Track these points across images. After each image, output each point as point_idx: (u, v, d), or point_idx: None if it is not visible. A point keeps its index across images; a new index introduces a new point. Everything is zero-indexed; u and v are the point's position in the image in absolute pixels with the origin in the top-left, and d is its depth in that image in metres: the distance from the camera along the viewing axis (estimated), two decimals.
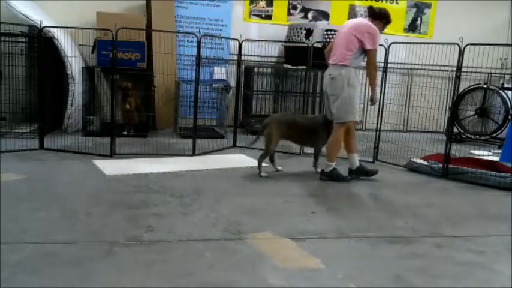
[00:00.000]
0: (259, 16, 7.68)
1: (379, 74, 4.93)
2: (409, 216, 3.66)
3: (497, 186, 4.57)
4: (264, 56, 7.43)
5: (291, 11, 7.79)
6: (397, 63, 7.65)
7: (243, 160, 5.25)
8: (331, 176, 4.54)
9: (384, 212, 3.72)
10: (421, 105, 6.81)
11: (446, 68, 7.65)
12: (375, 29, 4.34)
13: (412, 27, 8.37)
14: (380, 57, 4.82)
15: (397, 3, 8.21)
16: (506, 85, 7.62)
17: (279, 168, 4.83)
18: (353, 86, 4.37)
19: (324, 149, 4.76)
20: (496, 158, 5.58)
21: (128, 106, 6.11)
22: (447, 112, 7.10)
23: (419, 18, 8.38)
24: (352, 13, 8.02)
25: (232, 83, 6.76)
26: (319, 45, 6.54)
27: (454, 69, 4.97)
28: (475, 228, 3.46)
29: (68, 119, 6.10)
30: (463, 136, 7.43)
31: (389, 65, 5.49)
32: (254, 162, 5.10)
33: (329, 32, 7.02)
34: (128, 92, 6.07)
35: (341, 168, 4.61)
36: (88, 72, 6.36)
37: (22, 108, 6.25)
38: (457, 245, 3.10)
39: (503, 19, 8.64)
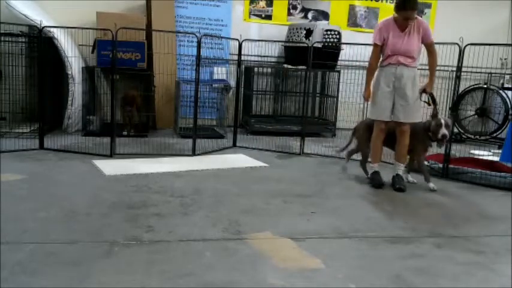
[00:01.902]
0: (259, 16, 7.68)
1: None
2: (409, 216, 3.66)
3: (497, 186, 4.57)
4: (264, 56, 7.44)
5: (291, 11, 7.79)
6: None
7: (243, 160, 5.25)
8: (370, 179, 4.52)
9: (384, 212, 3.72)
10: (421, 105, 6.79)
11: (446, 68, 7.63)
12: (377, 24, 4.43)
13: None
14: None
15: None
16: (506, 85, 7.62)
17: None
18: (375, 85, 4.42)
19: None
20: (496, 158, 5.58)
21: (129, 107, 6.13)
22: (447, 112, 7.10)
23: None
24: (352, 13, 8.03)
25: (232, 83, 6.76)
26: (319, 45, 6.55)
27: (454, 69, 4.97)
28: (475, 228, 3.46)
29: (68, 119, 6.10)
30: (463, 136, 7.43)
31: None
32: (254, 162, 5.11)
33: (329, 32, 7.03)
34: (131, 99, 6.09)
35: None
36: (88, 72, 6.36)
37: (22, 108, 6.26)
38: (457, 245, 3.10)
39: (503, 19, 8.64)
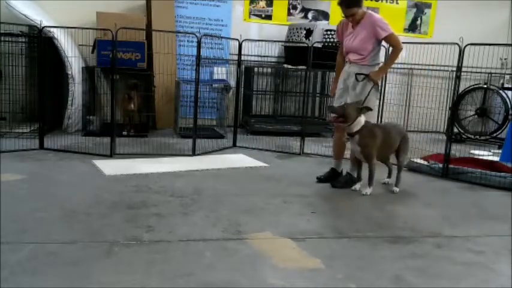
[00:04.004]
0: (259, 16, 7.68)
1: None
2: (409, 216, 3.66)
3: (497, 186, 4.57)
4: (264, 56, 7.43)
5: (291, 11, 7.79)
6: (397, 63, 7.64)
7: (243, 160, 5.25)
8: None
9: (384, 212, 3.72)
10: (421, 105, 6.81)
11: (446, 68, 7.64)
12: None
13: (412, 27, 8.37)
14: (380, 57, 4.79)
15: (397, 3, 8.22)
16: (506, 85, 7.62)
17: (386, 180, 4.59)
18: None
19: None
20: (496, 158, 5.58)
21: (132, 106, 6.13)
22: (447, 112, 7.10)
23: (419, 18, 8.38)
24: None
25: (232, 83, 6.76)
26: (319, 45, 6.55)
27: (454, 69, 4.97)
28: (475, 228, 3.46)
29: (68, 119, 6.10)
30: (463, 136, 7.43)
31: None
32: (254, 162, 5.11)
33: (329, 32, 7.03)
34: (134, 90, 6.10)
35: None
36: (88, 72, 6.36)
37: (22, 108, 6.26)
38: (457, 245, 3.10)
39: (503, 19, 8.64)
